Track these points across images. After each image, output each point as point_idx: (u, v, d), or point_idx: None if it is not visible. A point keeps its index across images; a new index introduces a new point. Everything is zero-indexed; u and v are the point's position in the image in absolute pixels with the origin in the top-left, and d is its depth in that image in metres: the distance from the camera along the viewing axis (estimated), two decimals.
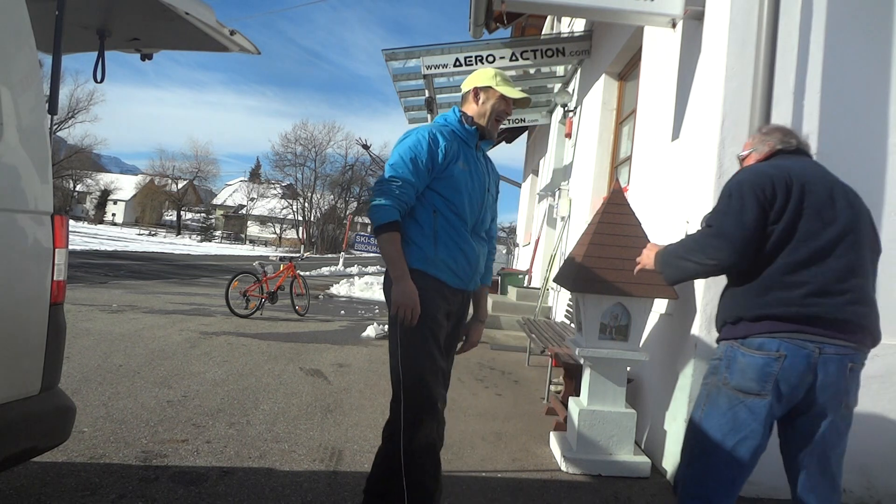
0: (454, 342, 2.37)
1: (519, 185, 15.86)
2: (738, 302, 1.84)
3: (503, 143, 15.17)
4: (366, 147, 30.68)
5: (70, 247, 2.09)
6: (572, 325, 4.93)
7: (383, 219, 2.10)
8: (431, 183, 2.20)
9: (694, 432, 1.90)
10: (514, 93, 2.30)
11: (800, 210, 1.79)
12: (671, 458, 3.27)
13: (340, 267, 21.08)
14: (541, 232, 9.88)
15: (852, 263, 1.80)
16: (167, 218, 69.53)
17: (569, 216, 7.51)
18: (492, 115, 2.32)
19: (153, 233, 53.26)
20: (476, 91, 2.33)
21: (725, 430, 1.82)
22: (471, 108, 2.34)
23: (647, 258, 2.24)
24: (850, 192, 1.91)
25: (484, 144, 2.39)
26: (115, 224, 65.89)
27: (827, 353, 1.74)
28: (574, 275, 3.15)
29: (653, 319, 3.72)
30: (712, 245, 1.84)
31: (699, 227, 1.98)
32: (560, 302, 7.15)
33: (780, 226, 1.80)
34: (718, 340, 1.93)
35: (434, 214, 2.18)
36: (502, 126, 2.46)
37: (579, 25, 8.06)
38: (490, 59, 7.05)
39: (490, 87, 2.30)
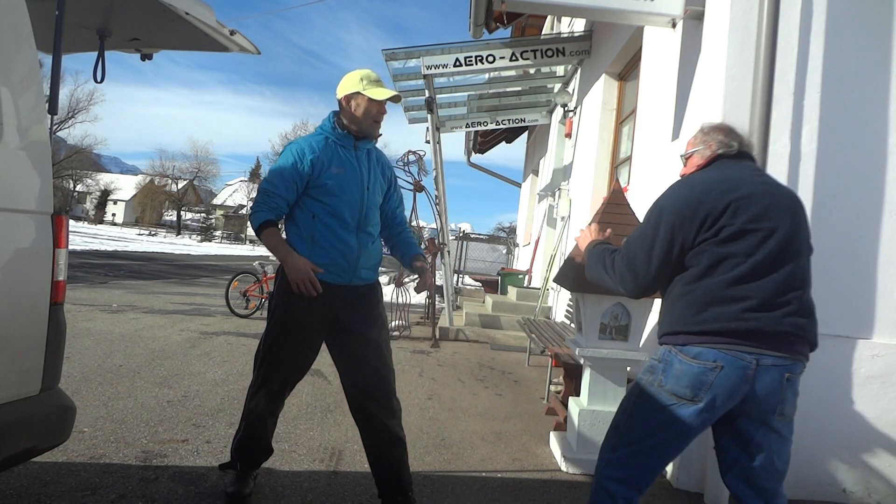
0: (358, 333, 2.47)
1: (519, 185, 15.87)
2: (679, 317, 1.84)
3: (503, 142, 15.18)
4: None
5: (70, 247, 2.09)
6: (572, 325, 4.93)
7: (258, 222, 2.36)
8: (309, 191, 2.41)
9: (624, 421, 1.93)
10: (382, 94, 2.41)
11: (736, 229, 1.78)
12: None
13: None
14: (541, 232, 9.88)
15: (792, 274, 1.79)
16: (167, 218, 69.54)
17: (569, 216, 7.51)
18: (366, 118, 2.45)
19: (153, 233, 53.26)
20: (347, 98, 2.45)
21: (655, 426, 1.85)
22: (346, 115, 2.48)
23: (583, 241, 2.31)
24: (789, 198, 1.89)
25: (364, 143, 2.51)
26: (115, 224, 65.93)
27: (764, 364, 1.75)
28: (574, 275, 3.15)
29: (653, 319, 3.71)
30: (622, 274, 1.97)
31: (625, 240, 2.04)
32: (560, 302, 7.15)
33: (715, 246, 1.80)
34: (660, 343, 1.94)
35: (313, 220, 2.41)
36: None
37: (579, 25, 8.06)
38: (490, 59, 7.05)
39: (358, 93, 2.41)
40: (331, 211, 2.40)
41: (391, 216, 2.68)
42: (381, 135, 2.56)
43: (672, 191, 1.95)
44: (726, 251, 1.78)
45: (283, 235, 2.48)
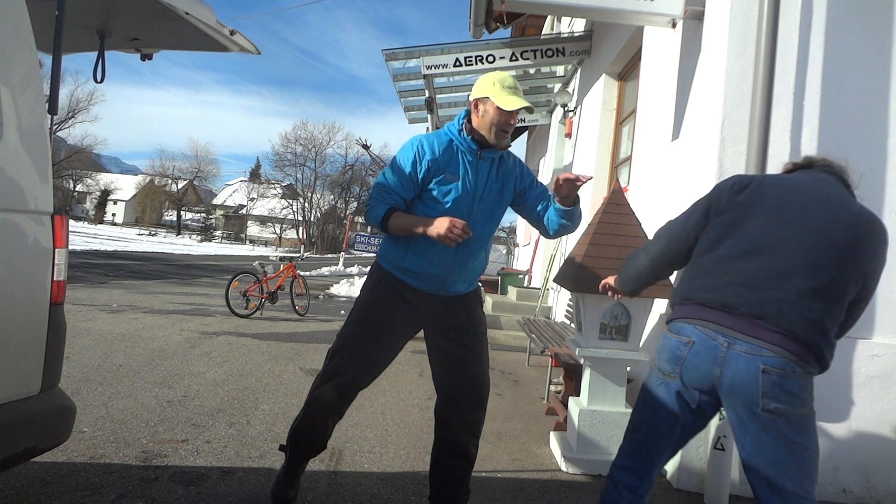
0: (448, 337, 2.38)
1: None
2: (676, 289, 1.92)
3: None
4: (366, 147, 30.69)
5: (70, 247, 2.09)
6: (572, 325, 4.93)
7: (378, 215, 2.24)
8: (420, 193, 2.29)
9: (633, 410, 1.98)
10: (511, 103, 2.20)
11: (748, 209, 1.78)
12: (671, 458, 3.27)
13: (340, 267, 21.09)
14: None
15: (806, 273, 1.68)
16: (167, 218, 69.54)
17: None
18: (492, 128, 2.25)
19: (153, 233, 53.26)
20: (475, 102, 2.29)
21: (652, 407, 1.87)
22: (475, 119, 2.30)
23: (609, 278, 2.32)
24: (847, 212, 1.75)
25: (489, 153, 2.31)
26: (115, 224, 65.93)
27: (736, 349, 1.69)
28: (574, 275, 3.15)
29: (653, 319, 3.72)
30: (652, 238, 2.06)
31: None
32: (560, 302, 7.15)
33: (724, 226, 1.81)
34: None
35: None
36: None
37: (579, 25, 8.06)
38: (490, 59, 7.05)
39: (488, 98, 2.24)
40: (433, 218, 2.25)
41: (538, 211, 2.43)
42: (509, 145, 2.38)
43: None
44: (733, 229, 1.78)
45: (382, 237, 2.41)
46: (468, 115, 2.34)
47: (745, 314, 1.70)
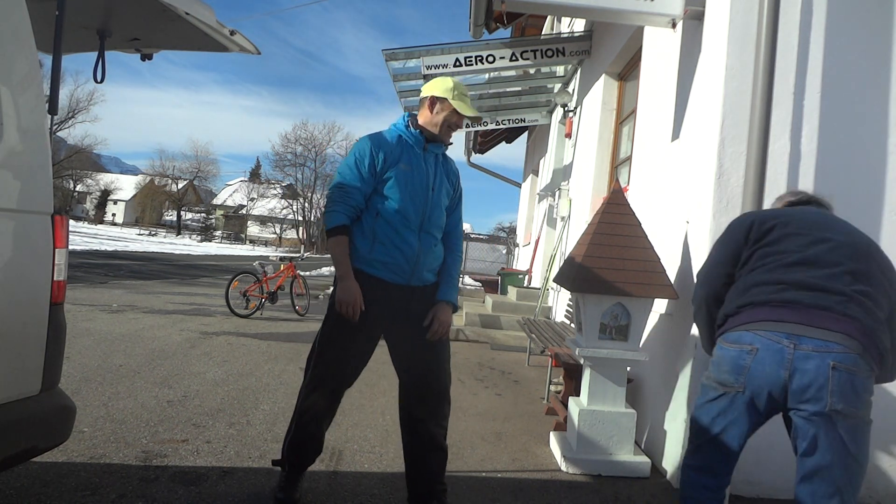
0: (414, 334, 2.47)
1: (519, 185, 15.87)
2: (726, 305, 1.97)
3: (503, 142, 15.18)
4: None
5: (70, 247, 2.09)
6: (572, 325, 4.93)
7: (332, 223, 2.38)
8: (376, 186, 2.41)
9: (693, 416, 2.02)
10: (468, 110, 2.46)
11: (782, 233, 1.91)
12: (671, 458, 3.27)
13: None
14: (541, 232, 9.88)
15: (855, 274, 1.79)
16: (167, 218, 69.55)
17: (569, 216, 7.51)
18: (443, 124, 2.47)
19: (153, 233, 53.27)
20: (433, 100, 2.48)
21: (713, 416, 1.91)
22: (423, 115, 2.50)
23: None
24: (854, 228, 1.95)
25: (434, 147, 2.51)
26: (115, 224, 65.97)
27: (803, 348, 1.69)
28: (574, 275, 3.15)
29: (653, 319, 3.72)
30: (694, 293, 2.20)
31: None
32: (560, 302, 7.15)
33: (763, 247, 1.94)
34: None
35: (376, 217, 2.40)
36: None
37: (579, 25, 8.06)
38: (490, 59, 7.05)
39: (446, 100, 2.45)
40: (394, 207, 2.38)
41: (447, 231, 2.60)
42: (451, 143, 2.59)
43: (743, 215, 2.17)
44: (774, 249, 1.88)
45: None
46: (412, 116, 2.55)
47: (811, 306, 1.73)
